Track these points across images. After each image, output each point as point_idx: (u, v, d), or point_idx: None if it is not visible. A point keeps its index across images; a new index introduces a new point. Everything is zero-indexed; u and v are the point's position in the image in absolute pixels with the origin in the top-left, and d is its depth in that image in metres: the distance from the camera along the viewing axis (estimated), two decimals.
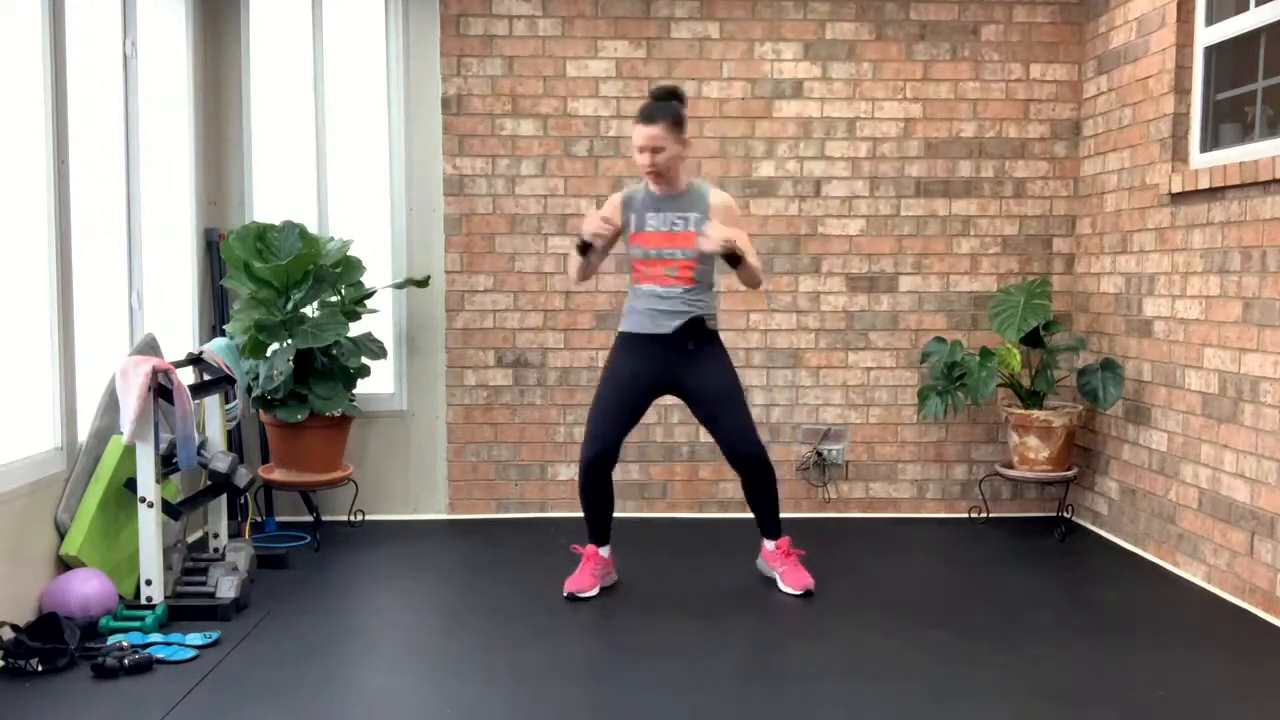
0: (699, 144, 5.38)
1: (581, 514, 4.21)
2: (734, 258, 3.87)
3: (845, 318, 5.47)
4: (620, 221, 4.09)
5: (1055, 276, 5.48)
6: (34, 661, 3.30)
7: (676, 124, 3.96)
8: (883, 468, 5.52)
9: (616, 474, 5.43)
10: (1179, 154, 4.59)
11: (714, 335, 4.13)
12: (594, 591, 4.11)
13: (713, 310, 4.12)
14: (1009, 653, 3.53)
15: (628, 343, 4.13)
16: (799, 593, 4.13)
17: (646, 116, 3.95)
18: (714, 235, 3.84)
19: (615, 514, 5.37)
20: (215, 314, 5.25)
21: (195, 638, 3.60)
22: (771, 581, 4.26)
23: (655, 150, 3.94)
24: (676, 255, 4.03)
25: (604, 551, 4.19)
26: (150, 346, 4.34)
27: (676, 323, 4.03)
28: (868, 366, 5.49)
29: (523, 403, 5.45)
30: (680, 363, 4.07)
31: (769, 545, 4.27)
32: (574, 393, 5.44)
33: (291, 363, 4.69)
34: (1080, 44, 5.42)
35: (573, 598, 4.07)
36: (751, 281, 4.04)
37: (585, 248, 4.05)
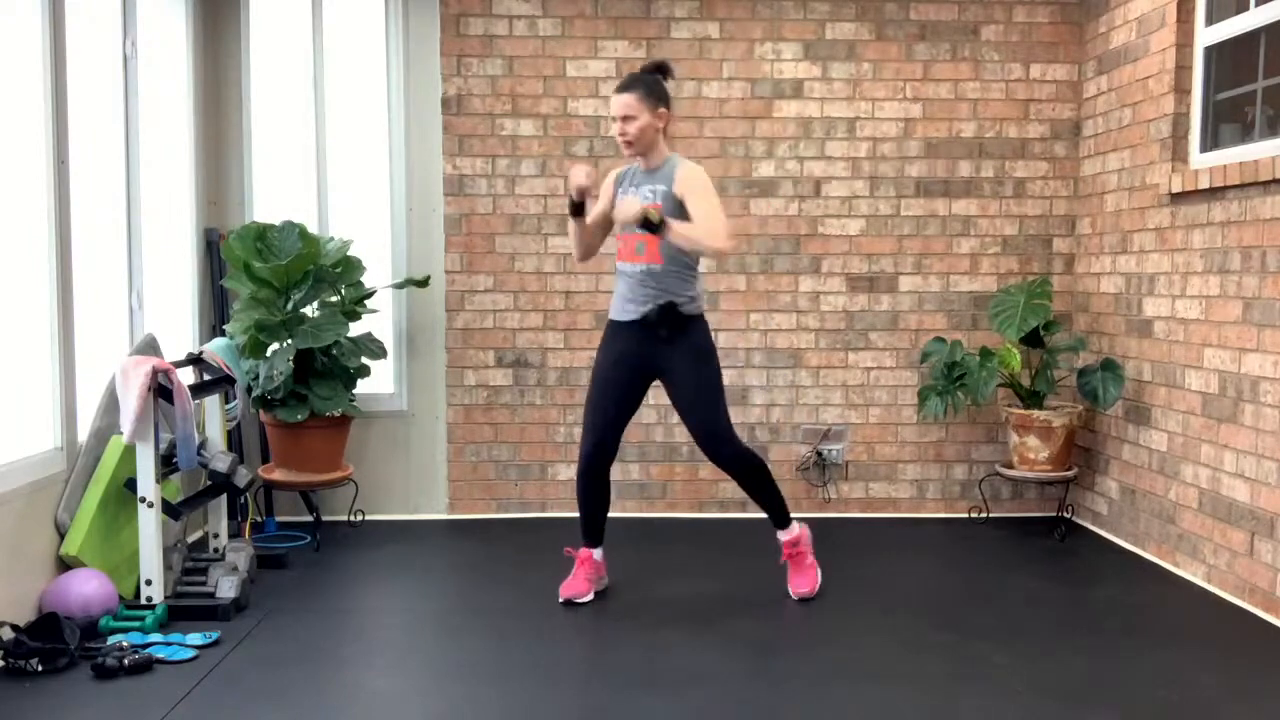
0: (700, 144, 5.38)
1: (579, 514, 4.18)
2: (650, 225, 3.70)
3: (845, 318, 5.47)
4: (611, 195, 4.01)
5: (1055, 276, 5.48)
6: (34, 661, 3.30)
7: (651, 94, 3.87)
8: (883, 468, 5.52)
9: (616, 474, 5.43)
10: (1179, 154, 4.59)
11: (691, 321, 3.92)
12: (589, 597, 4.08)
13: (689, 293, 3.92)
14: (1009, 653, 3.53)
15: (609, 329, 4.05)
16: (794, 596, 4.09)
17: (621, 85, 3.90)
18: (622, 206, 3.75)
19: (615, 514, 5.40)
20: (215, 314, 5.25)
21: (195, 638, 3.60)
22: (780, 582, 4.22)
23: (626, 119, 3.85)
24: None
25: (597, 554, 4.14)
26: (150, 346, 4.34)
27: (645, 308, 3.90)
28: (868, 366, 5.49)
29: (523, 403, 5.45)
30: (655, 350, 3.94)
31: (778, 536, 4.20)
32: (574, 393, 5.44)
33: (291, 363, 4.69)
34: (1080, 44, 5.42)
35: (569, 603, 4.04)
36: (694, 247, 3.79)
37: (576, 208, 3.95)
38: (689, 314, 3.92)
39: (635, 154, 3.92)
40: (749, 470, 4.01)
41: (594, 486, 4.08)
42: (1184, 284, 4.49)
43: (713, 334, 4.05)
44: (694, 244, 3.76)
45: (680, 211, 3.82)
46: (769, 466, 4.14)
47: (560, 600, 4.04)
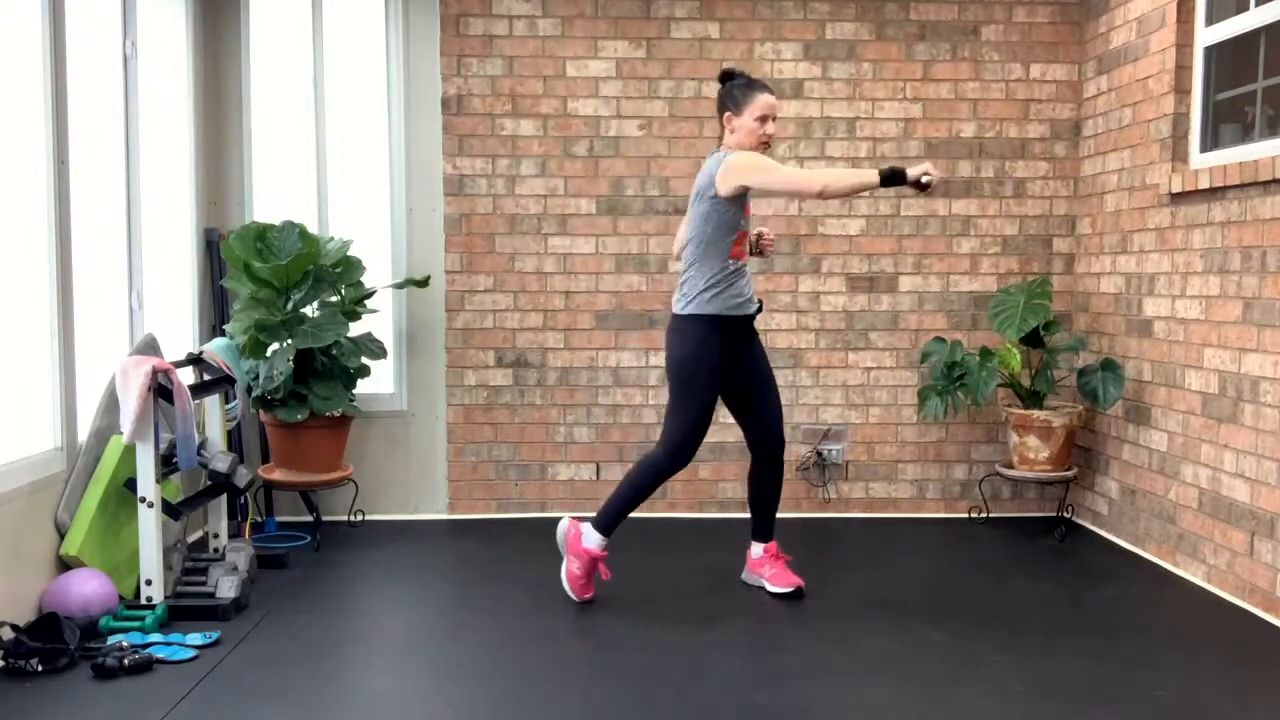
0: (700, 144, 5.38)
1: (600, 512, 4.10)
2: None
3: (845, 318, 5.47)
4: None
5: (1055, 276, 5.48)
6: (34, 661, 3.30)
7: None
8: (883, 468, 5.52)
9: (616, 473, 5.44)
10: (1179, 154, 4.59)
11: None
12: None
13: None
14: (1009, 653, 3.53)
15: (724, 326, 3.92)
16: (789, 590, 4.10)
17: (769, 88, 3.94)
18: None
19: None
20: (215, 314, 5.25)
21: (195, 638, 3.60)
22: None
23: (776, 119, 3.95)
24: (746, 225, 4.00)
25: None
26: (150, 346, 4.34)
27: (758, 302, 4.03)
28: (868, 366, 5.49)
29: (523, 403, 5.45)
30: (745, 345, 4.03)
31: (757, 552, 4.24)
32: (574, 393, 5.44)
33: (291, 363, 4.69)
34: (1080, 44, 5.42)
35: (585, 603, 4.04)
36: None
37: (899, 180, 3.79)
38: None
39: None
40: (783, 465, 4.18)
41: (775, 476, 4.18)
42: (1184, 284, 4.49)
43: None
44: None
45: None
46: (736, 471, 4.18)
47: (580, 600, 4.03)
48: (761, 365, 4.09)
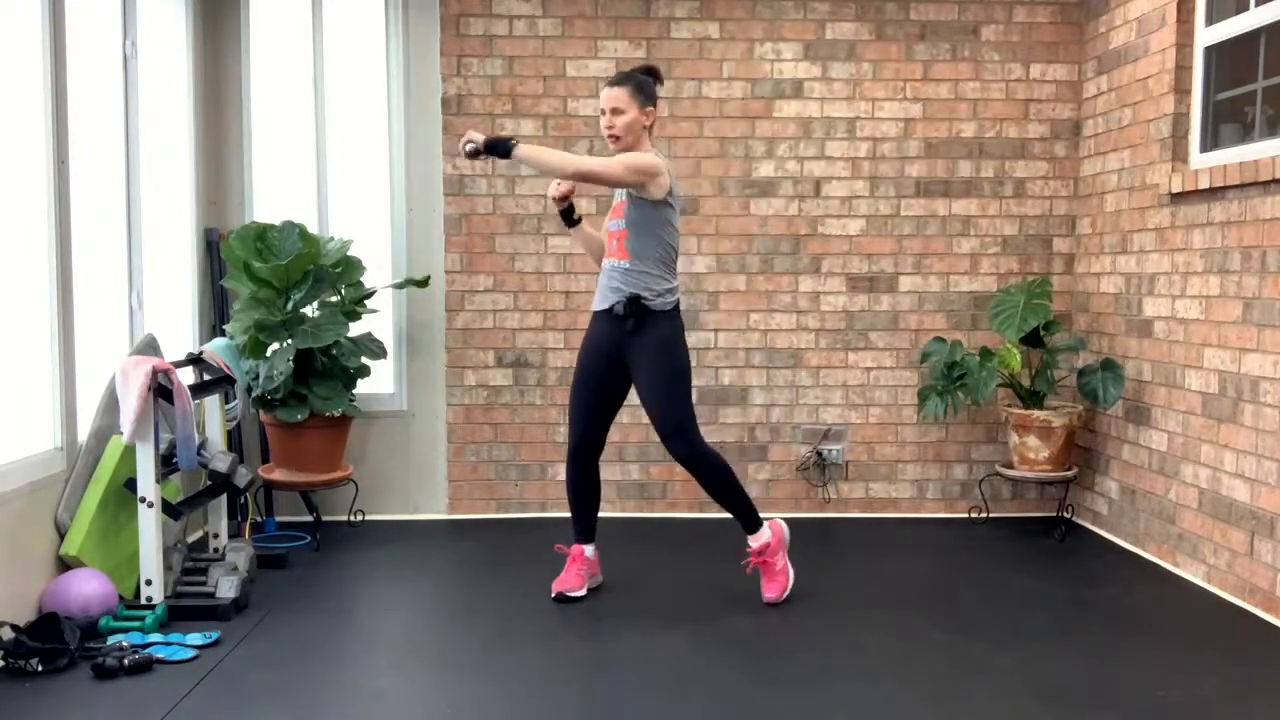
0: (700, 144, 5.38)
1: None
2: (493, 149, 3.76)
3: (845, 318, 5.47)
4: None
5: (1055, 276, 5.48)
6: (34, 661, 3.30)
7: (640, 92, 3.93)
8: (883, 468, 5.52)
9: (616, 474, 5.43)
10: (1179, 154, 4.59)
11: (658, 315, 3.93)
12: (582, 592, 4.09)
13: (657, 288, 3.92)
14: (1009, 653, 3.53)
15: (591, 320, 4.12)
16: (766, 602, 4.03)
17: (611, 80, 3.97)
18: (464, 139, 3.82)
19: (615, 514, 5.40)
20: (215, 314, 5.25)
21: (195, 638, 3.60)
22: None
23: (615, 111, 3.92)
24: (614, 227, 4.01)
25: (589, 551, 4.15)
26: (150, 346, 4.34)
27: (613, 299, 3.96)
28: (868, 366, 5.49)
29: (523, 403, 5.45)
30: (623, 340, 3.98)
31: (748, 542, 4.13)
32: None
33: (291, 363, 4.69)
34: (1080, 44, 5.42)
35: (561, 598, 4.05)
36: (550, 170, 3.84)
37: (566, 216, 4.16)
38: (656, 309, 3.94)
39: (620, 149, 3.98)
40: (708, 470, 3.97)
41: (582, 480, 4.11)
42: (1184, 284, 4.49)
43: (687, 333, 4.08)
44: (536, 164, 3.82)
45: (648, 207, 3.93)
46: (734, 470, 4.08)
47: (552, 595, 4.05)
48: (639, 369, 3.96)
